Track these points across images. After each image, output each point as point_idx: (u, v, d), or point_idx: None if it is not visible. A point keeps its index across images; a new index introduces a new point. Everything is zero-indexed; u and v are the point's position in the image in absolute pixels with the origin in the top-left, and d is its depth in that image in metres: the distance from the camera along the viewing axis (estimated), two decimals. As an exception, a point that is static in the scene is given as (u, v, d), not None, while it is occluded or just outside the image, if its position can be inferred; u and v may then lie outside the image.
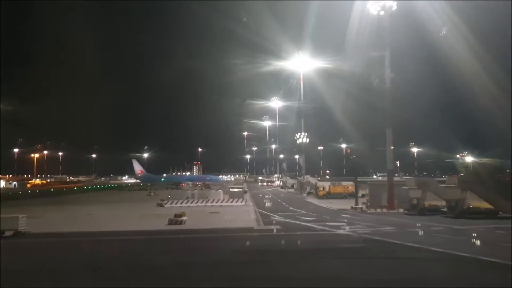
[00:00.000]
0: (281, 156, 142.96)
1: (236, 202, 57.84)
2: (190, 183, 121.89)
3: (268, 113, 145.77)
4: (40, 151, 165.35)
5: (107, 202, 67.14)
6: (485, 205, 41.46)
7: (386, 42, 51.60)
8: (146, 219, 39.99)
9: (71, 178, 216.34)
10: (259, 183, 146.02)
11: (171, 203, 56.43)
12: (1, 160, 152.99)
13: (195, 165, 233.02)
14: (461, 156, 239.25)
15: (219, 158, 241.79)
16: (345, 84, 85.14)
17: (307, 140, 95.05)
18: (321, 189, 70.40)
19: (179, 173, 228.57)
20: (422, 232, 32.19)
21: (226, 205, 56.17)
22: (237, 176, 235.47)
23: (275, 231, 32.63)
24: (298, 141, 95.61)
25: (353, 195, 55.90)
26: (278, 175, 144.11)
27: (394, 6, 51.32)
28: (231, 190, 65.63)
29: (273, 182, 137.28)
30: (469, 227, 33.58)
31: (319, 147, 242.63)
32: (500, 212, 40.35)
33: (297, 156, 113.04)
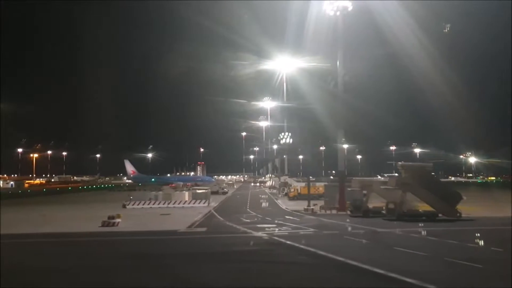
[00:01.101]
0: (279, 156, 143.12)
1: (199, 203, 58.47)
2: (181, 183, 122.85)
3: (265, 113, 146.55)
4: (39, 151, 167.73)
5: (80, 203, 68.60)
6: (426, 207, 41.35)
7: (339, 43, 51.62)
8: (88, 221, 40.64)
9: (75, 177, 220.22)
10: (252, 184, 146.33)
11: (133, 204, 57.45)
12: (1, 160, 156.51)
13: (199, 165, 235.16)
14: (464, 156, 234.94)
15: (224, 158, 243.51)
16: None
17: (291, 141, 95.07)
18: (292, 190, 70.59)
19: (182, 173, 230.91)
20: (336, 235, 32.08)
21: (188, 207, 56.71)
22: (237, 176, 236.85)
23: (198, 234, 33.14)
24: (281, 142, 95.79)
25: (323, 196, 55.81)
26: (270, 175, 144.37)
27: (349, 7, 51.37)
28: (196, 191, 66.17)
29: (265, 182, 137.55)
30: (390, 230, 33.54)
31: (321, 147, 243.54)
32: (440, 215, 40.33)
33: (285, 156, 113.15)
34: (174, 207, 56.50)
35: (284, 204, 61.24)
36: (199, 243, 29.63)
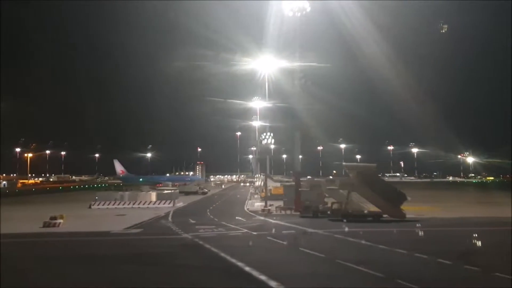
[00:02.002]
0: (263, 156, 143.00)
1: (164, 204, 58.90)
2: (170, 183, 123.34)
3: (257, 113, 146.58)
4: (34, 150, 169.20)
5: (53, 203, 69.02)
6: (372, 207, 41.27)
7: (296, 45, 51.66)
8: (35, 221, 40.78)
9: (73, 177, 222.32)
10: (242, 183, 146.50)
11: (98, 205, 58.06)
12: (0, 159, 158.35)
13: (198, 164, 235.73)
14: (462, 156, 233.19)
15: (223, 158, 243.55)
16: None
17: (272, 141, 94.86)
18: (262, 190, 70.71)
19: (182, 173, 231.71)
20: (261, 236, 32.08)
21: (152, 207, 57.14)
22: (234, 176, 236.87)
23: (128, 235, 33.44)
24: (263, 142, 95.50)
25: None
26: (259, 175, 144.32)
27: (307, 8, 51.32)
28: (162, 192, 66.59)
29: (254, 182, 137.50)
30: (316, 231, 33.31)
31: (319, 147, 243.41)
32: (385, 215, 40.29)
33: (268, 156, 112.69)
34: (138, 207, 57.04)
35: (251, 205, 61.43)
36: (116, 244, 29.89)
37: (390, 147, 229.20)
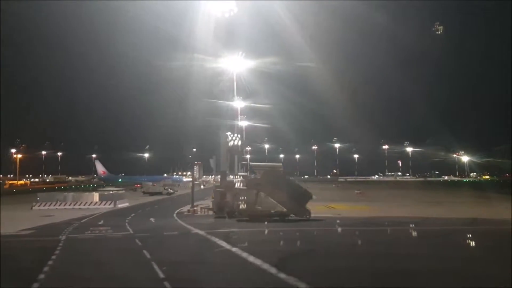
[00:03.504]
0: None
1: (105, 204, 59.35)
2: (150, 183, 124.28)
3: (243, 113, 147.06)
4: (23, 151, 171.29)
5: (14, 203, 69.81)
6: (279, 207, 41.01)
7: (225, 45, 51.76)
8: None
9: (69, 178, 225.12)
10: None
11: (39, 206, 58.71)
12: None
13: (196, 165, 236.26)
14: (457, 155, 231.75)
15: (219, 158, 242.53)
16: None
17: (239, 143, 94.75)
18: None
19: (179, 173, 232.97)
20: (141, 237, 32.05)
21: (93, 208, 57.63)
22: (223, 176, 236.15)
23: (13, 237, 33.57)
24: (230, 144, 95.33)
25: None
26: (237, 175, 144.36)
27: (234, 9, 51.30)
28: (103, 193, 67.02)
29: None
30: (203, 233, 33.15)
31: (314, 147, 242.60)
32: (292, 215, 40.14)
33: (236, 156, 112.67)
34: (79, 208, 57.54)
35: (191, 206, 61.40)
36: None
37: (385, 146, 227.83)
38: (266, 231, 34.37)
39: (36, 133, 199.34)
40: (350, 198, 73.07)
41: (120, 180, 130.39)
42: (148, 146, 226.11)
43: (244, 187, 42.95)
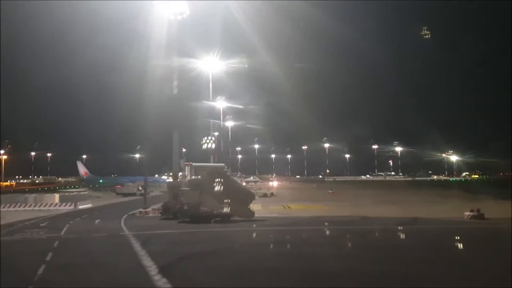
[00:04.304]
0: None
1: (65, 205, 59.53)
2: (131, 184, 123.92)
3: (230, 113, 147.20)
4: (8, 152, 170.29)
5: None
6: (222, 208, 41.05)
7: (174, 49, 51.74)
8: None
9: (59, 179, 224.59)
10: None
11: (4, 207, 58.87)
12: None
13: (187, 165, 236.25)
14: (446, 154, 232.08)
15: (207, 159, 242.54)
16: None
17: (214, 146, 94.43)
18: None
19: (171, 174, 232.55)
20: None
21: (53, 209, 57.98)
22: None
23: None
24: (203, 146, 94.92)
25: None
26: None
27: (186, 11, 51.28)
28: (64, 194, 67.20)
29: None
30: (129, 233, 33.25)
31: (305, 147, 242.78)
32: (234, 215, 40.22)
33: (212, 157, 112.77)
34: (39, 209, 57.76)
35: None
36: None
37: (375, 146, 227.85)
38: (192, 233, 34.18)
39: (26, 134, 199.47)
40: (319, 198, 73.31)
41: (101, 181, 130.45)
42: (139, 146, 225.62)
43: (187, 188, 42.99)
